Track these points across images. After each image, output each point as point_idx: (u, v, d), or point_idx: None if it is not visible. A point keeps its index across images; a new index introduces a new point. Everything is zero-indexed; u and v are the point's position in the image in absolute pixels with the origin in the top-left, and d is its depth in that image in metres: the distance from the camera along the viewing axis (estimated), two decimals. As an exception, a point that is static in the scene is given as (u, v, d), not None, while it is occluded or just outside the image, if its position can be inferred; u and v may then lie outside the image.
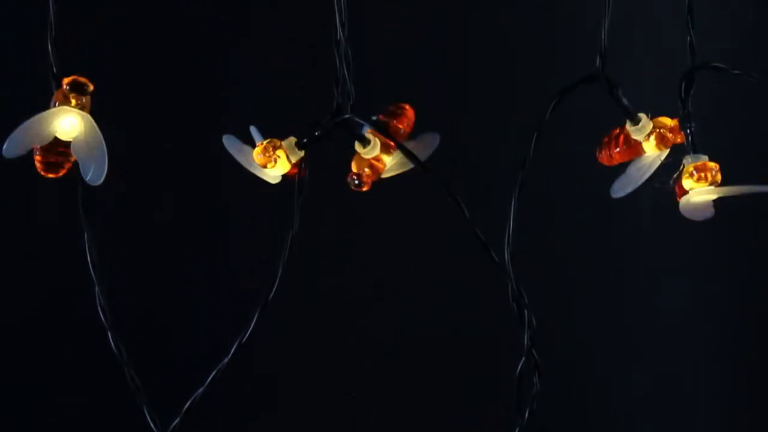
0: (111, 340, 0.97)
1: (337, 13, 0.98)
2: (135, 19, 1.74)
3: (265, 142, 0.94)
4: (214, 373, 0.97)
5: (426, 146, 1.00)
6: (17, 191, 1.63)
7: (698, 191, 0.98)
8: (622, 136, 1.00)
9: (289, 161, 0.94)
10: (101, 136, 0.82)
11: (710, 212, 1.00)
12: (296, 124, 1.02)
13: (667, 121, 0.98)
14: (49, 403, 1.78)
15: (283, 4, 1.82)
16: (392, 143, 0.95)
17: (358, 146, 0.98)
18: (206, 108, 1.82)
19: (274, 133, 0.99)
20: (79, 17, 1.40)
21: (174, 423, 0.98)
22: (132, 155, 1.52)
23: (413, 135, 1.02)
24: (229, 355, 0.97)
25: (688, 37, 1.06)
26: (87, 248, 0.91)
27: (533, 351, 1.00)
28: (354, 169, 0.99)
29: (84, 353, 1.63)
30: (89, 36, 1.64)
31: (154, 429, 0.98)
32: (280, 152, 0.93)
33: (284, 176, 0.97)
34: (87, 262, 0.95)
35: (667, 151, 1.00)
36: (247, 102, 1.80)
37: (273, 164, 0.93)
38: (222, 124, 1.70)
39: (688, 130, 1.01)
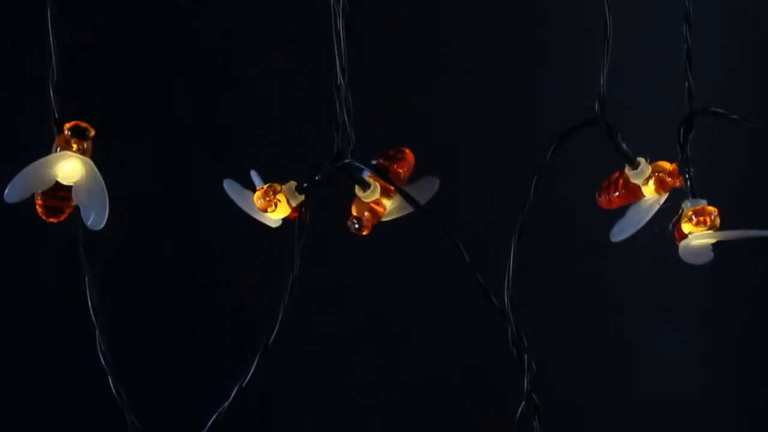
0: (111, 384, 0.97)
1: (337, 57, 0.99)
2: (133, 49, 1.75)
3: (265, 187, 0.94)
4: (214, 416, 0.97)
5: (426, 190, 1.00)
6: (18, 235, 1.64)
7: (697, 235, 0.98)
8: (621, 180, 1.00)
9: (290, 205, 0.95)
10: (102, 180, 0.83)
11: (710, 256, 1.01)
12: (297, 169, 1.02)
13: (666, 166, 0.98)
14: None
15: (282, 44, 1.83)
16: (392, 188, 0.96)
17: (358, 190, 0.98)
18: (206, 148, 1.83)
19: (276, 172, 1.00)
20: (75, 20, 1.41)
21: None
22: (132, 196, 1.53)
23: (413, 179, 1.02)
24: (229, 399, 0.97)
25: (687, 83, 1.07)
26: (88, 293, 0.92)
27: (533, 395, 1.00)
28: (354, 212, 0.99)
29: (84, 396, 1.63)
30: (87, 38, 1.65)
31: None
32: (280, 196, 0.94)
33: (284, 220, 0.97)
34: (88, 305, 0.95)
35: (666, 195, 1.00)
36: (248, 146, 1.81)
37: (273, 208, 0.93)
38: (223, 165, 1.71)
39: (687, 175, 1.01)
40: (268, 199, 0.92)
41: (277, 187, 0.94)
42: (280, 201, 0.93)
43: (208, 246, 1.87)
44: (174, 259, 1.85)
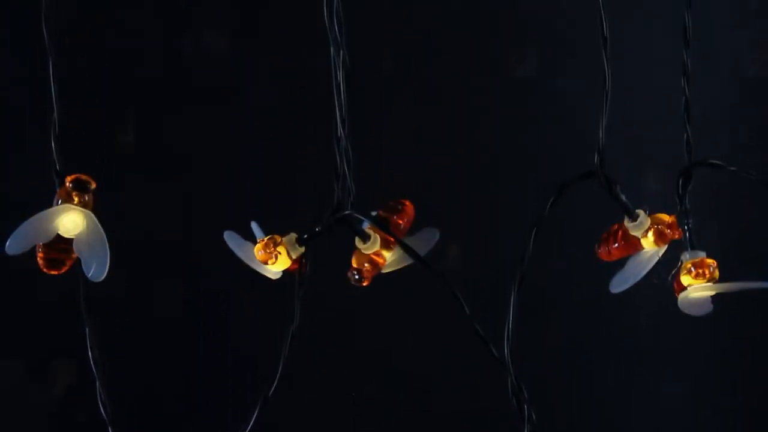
0: (111, 433, 0.97)
1: (337, 109, 0.99)
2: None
3: (266, 239, 0.94)
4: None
5: (426, 241, 1.01)
6: (19, 287, 1.63)
7: (696, 287, 0.98)
8: (620, 232, 1.00)
9: (290, 257, 0.95)
10: (103, 233, 0.83)
11: (709, 308, 1.01)
12: (298, 220, 1.03)
13: (665, 218, 0.99)
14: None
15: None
16: (392, 239, 0.96)
17: (358, 242, 0.98)
18: (207, 198, 1.83)
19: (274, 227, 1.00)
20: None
21: None
22: (132, 244, 1.53)
23: (413, 230, 1.02)
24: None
25: (685, 134, 1.07)
26: (89, 345, 0.92)
27: (534, 445, 1.00)
28: (354, 264, 0.99)
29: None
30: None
31: None
32: (280, 248, 0.94)
33: (285, 271, 0.98)
34: (88, 356, 0.95)
35: (665, 247, 1.00)
36: (248, 198, 1.81)
37: (274, 260, 0.94)
38: (223, 215, 1.72)
39: (686, 227, 1.01)
40: (268, 251, 0.93)
41: (278, 239, 0.94)
42: (280, 253, 0.93)
43: (208, 296, 1.87)
44: (173, 310, 1.85)
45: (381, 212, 1.00)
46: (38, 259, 0.85)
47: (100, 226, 0.81)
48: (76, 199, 0.81)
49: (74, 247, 0.82)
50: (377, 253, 0.97)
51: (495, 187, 1.93)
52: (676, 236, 0.99)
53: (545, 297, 1.81)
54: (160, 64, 1.84)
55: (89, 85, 1.72)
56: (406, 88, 1.90)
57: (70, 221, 0.81)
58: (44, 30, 0.88)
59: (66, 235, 0.82)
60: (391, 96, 1.88)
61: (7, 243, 0.76)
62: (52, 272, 0.83)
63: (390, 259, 0.99)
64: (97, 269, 0.81)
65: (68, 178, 0.80)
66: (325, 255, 1.03)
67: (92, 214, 0.81)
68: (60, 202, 0.81)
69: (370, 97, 1.54)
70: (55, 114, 0.87)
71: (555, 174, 1.10)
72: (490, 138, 1.94)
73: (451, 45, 1.91)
